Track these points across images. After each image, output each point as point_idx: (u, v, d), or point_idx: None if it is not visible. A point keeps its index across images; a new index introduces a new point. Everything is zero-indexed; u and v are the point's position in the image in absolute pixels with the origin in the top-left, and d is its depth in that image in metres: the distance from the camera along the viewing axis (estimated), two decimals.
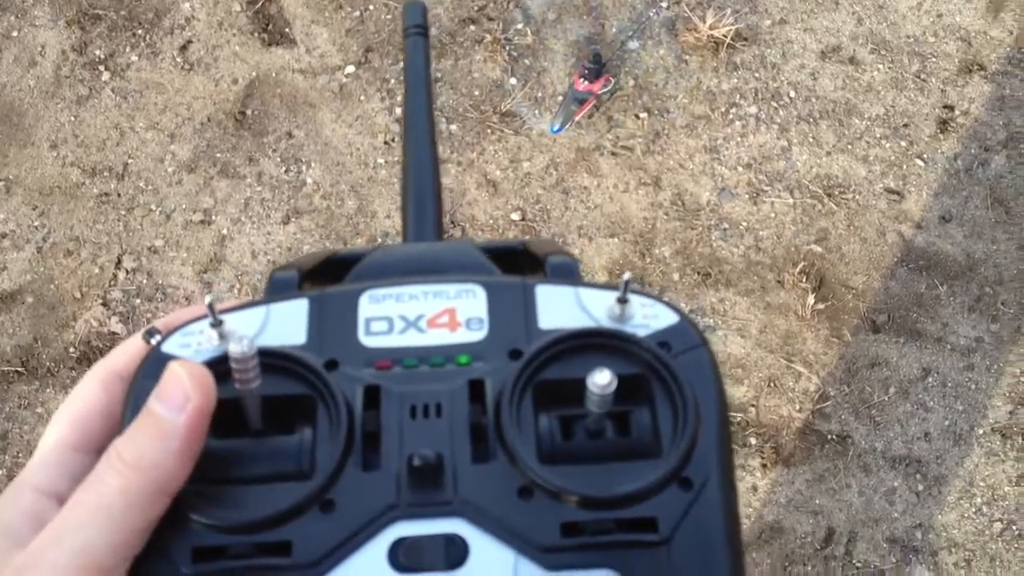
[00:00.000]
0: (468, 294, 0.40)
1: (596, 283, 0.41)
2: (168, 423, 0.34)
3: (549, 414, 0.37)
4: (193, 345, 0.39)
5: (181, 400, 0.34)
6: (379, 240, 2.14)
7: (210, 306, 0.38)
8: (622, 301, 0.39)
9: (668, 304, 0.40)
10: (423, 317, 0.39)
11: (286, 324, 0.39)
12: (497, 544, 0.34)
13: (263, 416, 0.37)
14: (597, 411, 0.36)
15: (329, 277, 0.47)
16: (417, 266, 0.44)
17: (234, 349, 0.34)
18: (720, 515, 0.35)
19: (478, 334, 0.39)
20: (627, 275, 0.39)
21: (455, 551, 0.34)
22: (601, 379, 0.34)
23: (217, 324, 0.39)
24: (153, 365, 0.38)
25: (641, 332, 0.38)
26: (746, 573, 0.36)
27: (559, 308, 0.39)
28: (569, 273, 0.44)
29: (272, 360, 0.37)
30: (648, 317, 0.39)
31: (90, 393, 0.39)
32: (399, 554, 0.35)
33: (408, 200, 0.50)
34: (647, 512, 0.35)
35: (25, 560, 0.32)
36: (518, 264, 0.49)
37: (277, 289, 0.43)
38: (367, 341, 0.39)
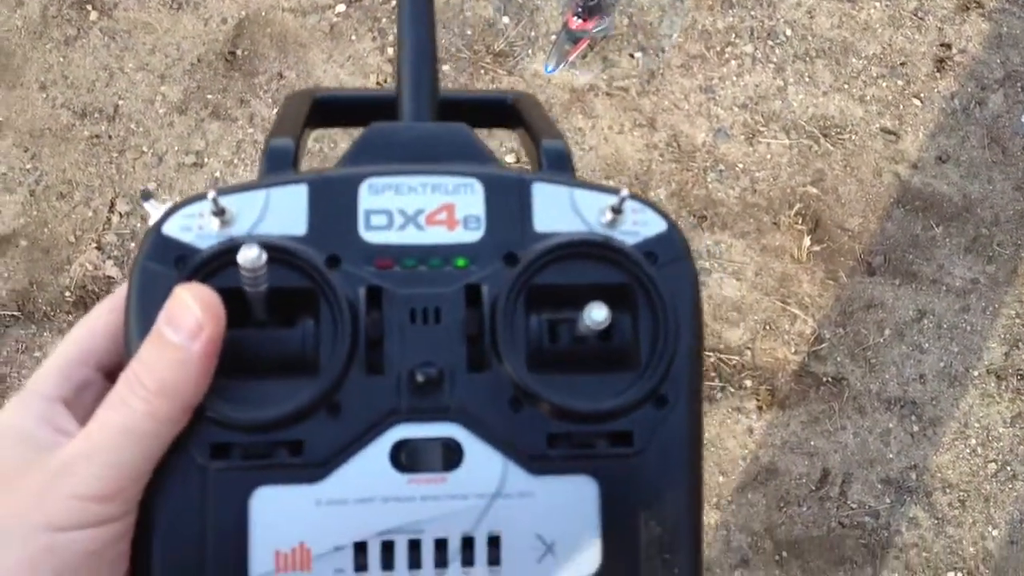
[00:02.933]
0: (467, 189, 0.38)
1: (590, 183, 0.38)
2: (183, 351, 0.33)
3: (539, 316, 0.36)
4: (194, 229, 0.36)
5: (194, 328, 0.32)
6: None
7: (214, 199, 0.35)
8: (616, 211, 0.37)
9: (658, 210, 0.38)
10: (422, 212, 0.37)
11: (286, 211, 0.37)
12: (489, 449, 0.35)
13: (265, 305, 0.35)
14: (589, 334, 0.36)
15: (318, 120, 0.46)
16: (415, 151, 0.40)
17: (245, 258, 0.32)
18: (687, 431, 0.36)
19: (475, 234, 0.37)
20: (624, 191, 0.37)
21: (451, 455, 0.35)
22: (598, 315, 0.34)
23: (219, 212, 0.36)
24: (155, 247, 0.36)
25: (630, 239, 0.37)
26: (703, 482, 0.37)
27: (554, 210, 0.38)
28: (563, 161, 0.41)
29: (275, 254, 0.35)
30: (638, 224, 0.38)
31: (96, 316, 0.38)
32: (400, 455, 0.35)
33: (404, 76, 0.44)
34: (625, 427, 0.36)
35: (60, 468, 0.32)
36: (503, 116, 0.48)
37: (274, 162, 0.40)
38: (367, 236, 0.37)
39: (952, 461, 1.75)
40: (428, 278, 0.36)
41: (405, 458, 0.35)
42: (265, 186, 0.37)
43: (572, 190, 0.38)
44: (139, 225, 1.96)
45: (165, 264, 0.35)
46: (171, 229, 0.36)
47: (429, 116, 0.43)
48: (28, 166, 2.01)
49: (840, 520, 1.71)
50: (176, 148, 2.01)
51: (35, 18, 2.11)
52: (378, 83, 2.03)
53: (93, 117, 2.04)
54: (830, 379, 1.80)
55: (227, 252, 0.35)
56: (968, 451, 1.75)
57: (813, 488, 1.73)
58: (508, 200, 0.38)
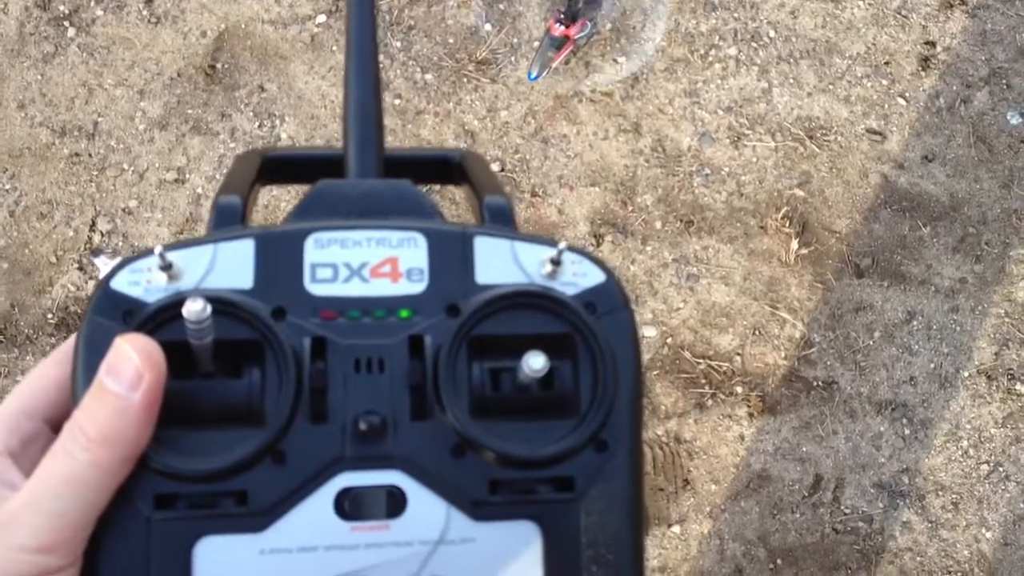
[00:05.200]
0: (410, 243, 0.38)
1: (531, 236, 0.38)
2: (124, 400, 0.32)
3: (481, 364, 0.36)
4: (142, 283, 0.36)
5: (134, 378, 0.32)
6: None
7: (161, 255, 0.35)
8: (555, 263, 0.37)
9: (597, 262, 0.38)
10: (367, 265, 0.37)
11: (233, 265, 0.36)
12: (432, 496, 0.35)
13: (212, 357, 0.35)
14: (528, 382, 0.35)
15: (267, 178, 0.46)
16: (361, 206, 0.40)
17: (189, 311, 0.32)
18: (628, 475, 0.35)
19: (418, 286, 0.37)
20: (563, 244, 0.37)
21: (394, 502, 0.35)
22: (536, 363, 0.34)
23: (166, 267, 0.35)
24: (102, 301, 0.36)
25: (570, 290, 0.37)
26: (646, 530, 0.36)
27: (495, 262, 0.38)
28: (505, 216, 0.41)
29: (222, 307, 0.35)
30: (577, 275, 0.38)
31: (44, 369, 0.38)
32: (344, 503, 0.34)
33: (349, 135, 0.43)
34: (566, 472, 0.35)
35: (5, 520, 0.32)
36: (449, 173, 0.48)
37: (222, 217, 0.40)
38: (313, 288, 0.37)
39: (944, 463, 1.71)
40: (372, 329, 0.36)
41: (349, 506, 0.34)
42: (212, 241, 0.37)
43: (513, 243, 0.38)
44: (121, 243, 1.90)
45: (112, 318, 0.35)
46: (119, 284, 0.36)
47: (375, 173, 0.43)
48: (7, 186, 1.95)
49: (834, 526, 1.67)
50: (157, 164, 1.95)
51: (11, 35, 2.05)
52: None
53: (73, 135, 1.98)
54: (820, 383, 1.75)
55: (173, 306, 0.35)
56: (960, 453, 1.71)
57: (806, 494, 1.68)
58: (451, 253, 0.38)
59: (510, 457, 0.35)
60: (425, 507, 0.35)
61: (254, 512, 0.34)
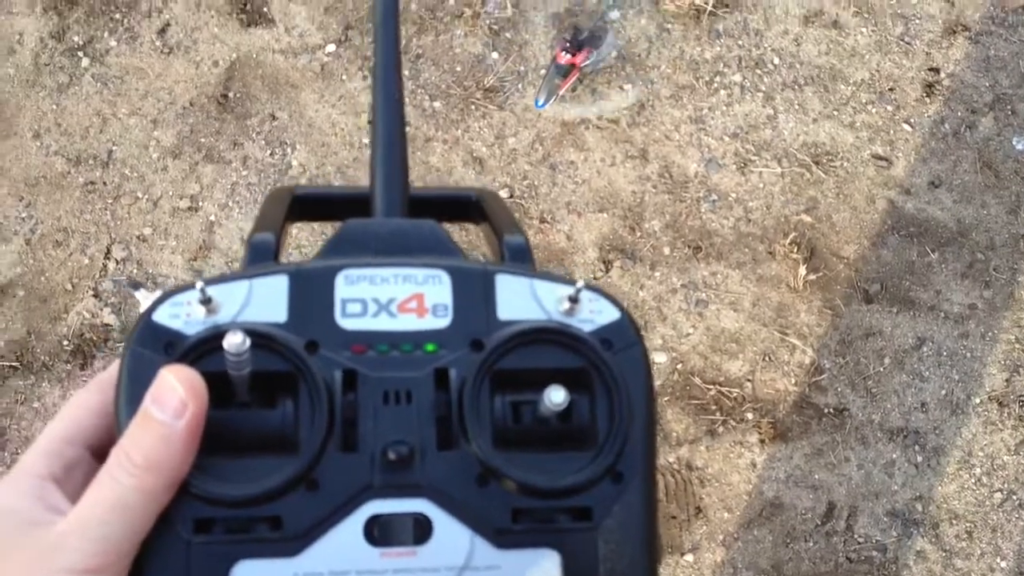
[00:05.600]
0: (435, 280, 0.39)
1: (550, 274, 0.40)
2: (168, 428, 0.33)
3: (503, 397, 0.37)
4: (182, 316, 0.37)
5: (179, 408, 0.33)
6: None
7: (202, 289, 0.36)
8: (573, 300, 0.38)
9: (612, 299, 0.39)
10: (394, 301, 0.38)
11: (268, 300, 0.38)
12: (457, 524, 0.35)
13: (248, 388, 0.36)
14: (548, 415, 0.36)
15: (297, 215, 0.48)
16: (388, 245, 0.41)
17: (230, 343, 0.33)
18: (643, 505, 0.36)
19: (443, 321, 0.38)
20: (580, 283, 0.38)
21: (421, 529, 0.35)
22: (557, 397, 0.35)
23: (205, 301, 0.37)
24: (145, 333, 0.37)
25: (587, 327, 0.38)
26: (660, 559, 0.36)
27: (516, 299, 0.39)
28: (524, 255, 0.42)
29: (258, 340, 0.36)
30: (594, 312, 0.39)
31: (84, 396, 0.39)
32: (373, 530, 0.35)
33: (376, 175, 0.44)
34: (584, 502, 0.36)
35: (52, 541, 0.33)
36: (468, 211, 0.50)
37: (257, 254, 0.41)
38: (344, 323, 0.38)
39: (957, 491, 1.67)
40: (400, 362, 0.37)
41: (378, 532, 0.35)
42: (248, 276, 0.38)
43: (532, 281, 0.39)
44: (136, 271, 1.88)
45: (154, 349, 0.36)
46: (160, 317, 0.37)
47: (400, 212, 0.44)
48: (23, 215, 1.93)
49: (848, 555, 1.63)
50: (171, 192, 1.94)
51: (27, 66, 2.04)
52: (370, 121, 1.96)
53: (87, 164, 1.97)
54: (832, 410, 1.72)
55: (213, 338, 0.36)
56: (973, 480, 1.67)
57: (819, 523, 1.65)
58: (474, 290, 0.39)
59: (531, 487, 0.36)
60: (450, 534, 0.35)
61: (288, 537, 0.35)
